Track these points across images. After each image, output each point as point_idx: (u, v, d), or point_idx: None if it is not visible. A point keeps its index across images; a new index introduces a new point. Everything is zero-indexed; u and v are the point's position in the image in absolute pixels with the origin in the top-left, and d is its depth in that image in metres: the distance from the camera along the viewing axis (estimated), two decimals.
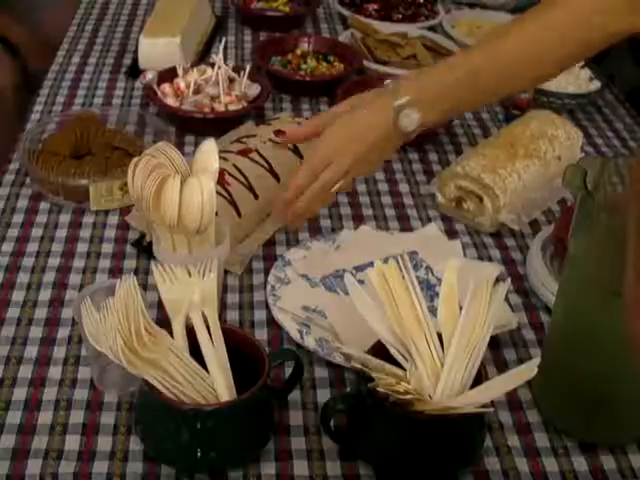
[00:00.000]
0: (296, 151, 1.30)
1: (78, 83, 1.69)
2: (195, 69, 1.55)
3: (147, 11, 2.04)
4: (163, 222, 0.98)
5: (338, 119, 1.13)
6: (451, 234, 1.30)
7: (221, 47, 1.54)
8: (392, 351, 0.87)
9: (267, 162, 1.25)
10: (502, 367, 1.05)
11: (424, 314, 0.87)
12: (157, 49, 1.68)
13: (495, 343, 1.08)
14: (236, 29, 1.96)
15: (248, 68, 1.53)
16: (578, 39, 1.15)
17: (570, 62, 1.22)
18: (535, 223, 1.34)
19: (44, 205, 1.30)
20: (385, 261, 0.88)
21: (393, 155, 1.43)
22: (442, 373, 0.85)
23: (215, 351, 0.88)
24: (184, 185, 0.97)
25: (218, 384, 0.87)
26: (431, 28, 1.97)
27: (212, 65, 1.55)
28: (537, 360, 0.84)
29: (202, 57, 1.79)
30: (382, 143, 1.14)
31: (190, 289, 0.88)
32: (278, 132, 1.29)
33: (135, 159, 1.00)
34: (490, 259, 1.25)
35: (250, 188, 1.22)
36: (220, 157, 1.22)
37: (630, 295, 0.62)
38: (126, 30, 1.94)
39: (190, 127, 1.50)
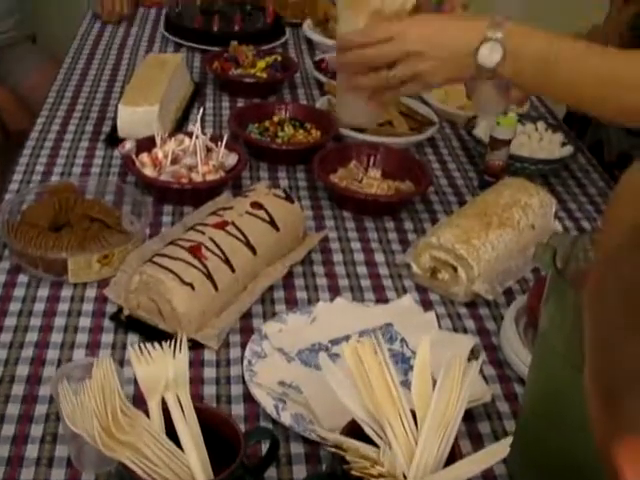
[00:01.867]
0: (272, 223, 1.31)
1: (57, 151, 1.71)
2: (173, 139, 1.57)
3: (127, 76, 2.06)
4: None
5: (422, 17, 1.14)
6: (426, 304, 1.31)
7: (199, 117, 1.56)
8: (367, 430, 0.88)
9: (244, 235, 1.27)
10: (476, 440, 1.06)
11: (398, 393, 0.87)
12: (136, 117, 1.69)
13: (469, 416, 1.09)
14: (214, 95, 1.99)
15: (225, 138, 1.55)
16: None
17: None
18: (510, 292, 1.36)
19: (22, 278, 1.31)
20: (360, 335, 0.90)
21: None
22: (416, 452, 0.86)
23: (190, 430, 0.88)
24: None
25: (194, 465, 0.87)
26: None
27: (190, 134, 1.57)
28: (509, 439, 0.85)
29: (181, 123, 1.81)
30: (461, 59, 1.15)
31: (165, 369, 0.89)
32: (254, 205, 1.31)
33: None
34: (465, 330, 1.26)
35: (227, 261, 1.23)
36: (197, 230, 1.24)
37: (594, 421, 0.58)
38: (105, 96, 1.96)
39: (168, 197, 1.52)
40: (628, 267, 0.56)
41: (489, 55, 1.15)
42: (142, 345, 0.90)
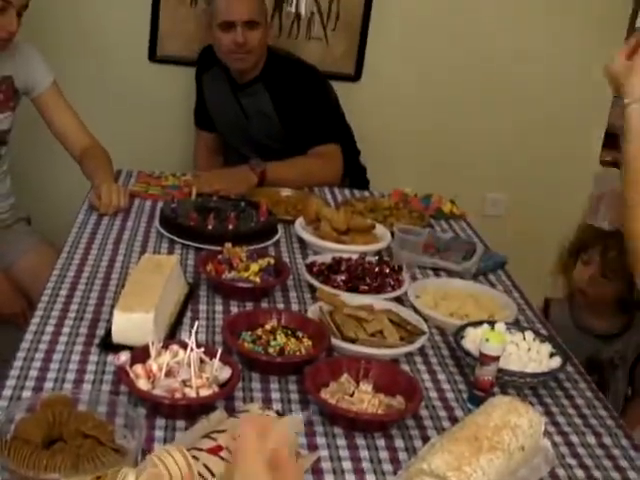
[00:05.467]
0: None
1: (51, 355, 1.72)
2: (168, 350, 1.60)
3: (121, 274, 2.11)
4: None
5: None
6: None
7: (194, 331, 1.59)
8: None
9: None
10: None
11: None
12: (131, 324, 1.72)
13: None
14: (207, 297, 2.02)
15: (219, 352, 1.58)
16: None
17: None
18: None
19: None
20: None
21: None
22: None
23: None
24: None
25: None
26: (397, 298, 2.04)
27: (184, 345, 1.59)
28: None
29: (175, 327, 1.84)
30: None
31: None
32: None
33: None
34: None
35: None
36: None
37: None
38: (100, 295, 2.00)
39: (161, 411, 1.53)
40: None
41: None
42: None
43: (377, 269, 2.12)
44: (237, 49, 3.02)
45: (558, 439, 1.63)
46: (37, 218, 3.08)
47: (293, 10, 3.65)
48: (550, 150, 3.89)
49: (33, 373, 1.66)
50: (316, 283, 2.04)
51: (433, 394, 1.72)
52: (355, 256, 2.18)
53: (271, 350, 1.72)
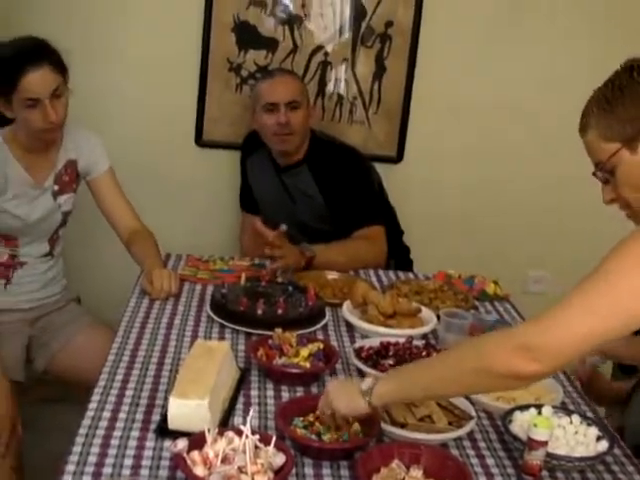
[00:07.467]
0: None
1: (109, 440, 1.77)
2: (223, 437, 1.64)
3: (174, 359, 2.16)
4: None
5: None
6: None
7: (249, 418, 1.63)
8: None
9: None
10: None
11: None
12: (186, 410, 1.77)
13: None
14: (259, 382, 2.07)
15: (274, 439, 1.62)
16: None
17: None
18: None
19: None
20: None
21: None
22: None
23: None
24: None
25: None
26: None
27: (239, 432, 1.64)
28: None
29: (229, 413, 1.89)
30: None
31: None
32: None
33: None
34: None
35: None
36: None
37: None
38: (155, 381, 2.05)
39: None
40: None
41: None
42: None
43: (424, 353, 2.15)
44: (280, 130, 3.12)
45: None
46: (86, 297, 3.14)
47: (336, 94, 3.74)
48: (593, 233, 3.92)
49: (92, 459, 1.71)
50: (365, 368, 2.08)
51: (482, 478, 1.74)
52: (402, 340, 2.22)
53: (324, 438, 1.76)
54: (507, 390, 1.99)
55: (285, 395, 2.02)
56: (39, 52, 2.52)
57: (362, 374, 2.10)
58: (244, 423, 1.64)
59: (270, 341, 2.15)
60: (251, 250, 3.40)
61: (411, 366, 1.89)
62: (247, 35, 3.65)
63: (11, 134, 2.64)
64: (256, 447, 1.64)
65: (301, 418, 1.83)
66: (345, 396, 1.78)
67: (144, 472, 1.67)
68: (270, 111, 3.12)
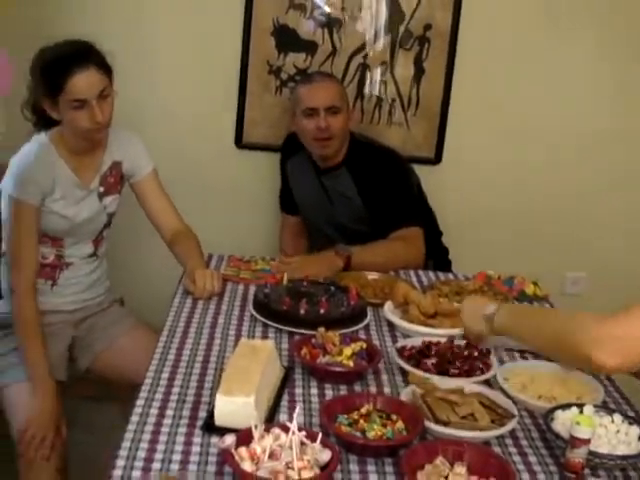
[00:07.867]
0: None
1: (157, 437, 1.81)
2: (270, 434, 1.67)
3: (219, 358, 2.20)
4: None
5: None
6: None
7: (295, 415, 1.67)
8: None
9: None
10: None
11: None
12: (233, 407, 1.80)
13: None
14: (303, 380, 2.10)
15: (320, 436, 1.65)
16: None
17: None
18: None
19: None
20: None
21: None
22: None
23: None
24: None
25: None
26: (486, 381, 2.10)
27: (285, 429, 1.67)
28: None
29: (274, 410, 1.92)
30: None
31: None
32: None
33: None
34: None
35: None
36: None
37: None
38: (200, 379, 2.09)
39: None
40: None
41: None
42: None
43: (466, 352, 2.17)
44: (320, 134, 3.15)
45: None
46: (128, 298, 3.19)
47: (374, 96, 3.77)
48: (629, 237, 3.94)
49: (141, 454, 1.75)
50: (408, 367, 2.11)
51: (525, 476, 1.76)
52: (443, 339, 2.25)
53: (369, 436, 1.79)
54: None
55: (329, 393, 2.05)
56: (85, 54, 2.56)
57: (404, 372, 2.12)
58: (289, 420, 1.68)
59: (313, 340, 2.18)
60: (290, 250, 3.44)
61: (528, 311, 2.26)
62: (286, 38, 3.69)
63: (58, 135, 2.69)
64: (302, 443, 1.67)
65: (345, 415, 1.85)
66: (471, 318, 2.18)
67: (192, 467, 1.71)
68: (310, 116, 3.16)
